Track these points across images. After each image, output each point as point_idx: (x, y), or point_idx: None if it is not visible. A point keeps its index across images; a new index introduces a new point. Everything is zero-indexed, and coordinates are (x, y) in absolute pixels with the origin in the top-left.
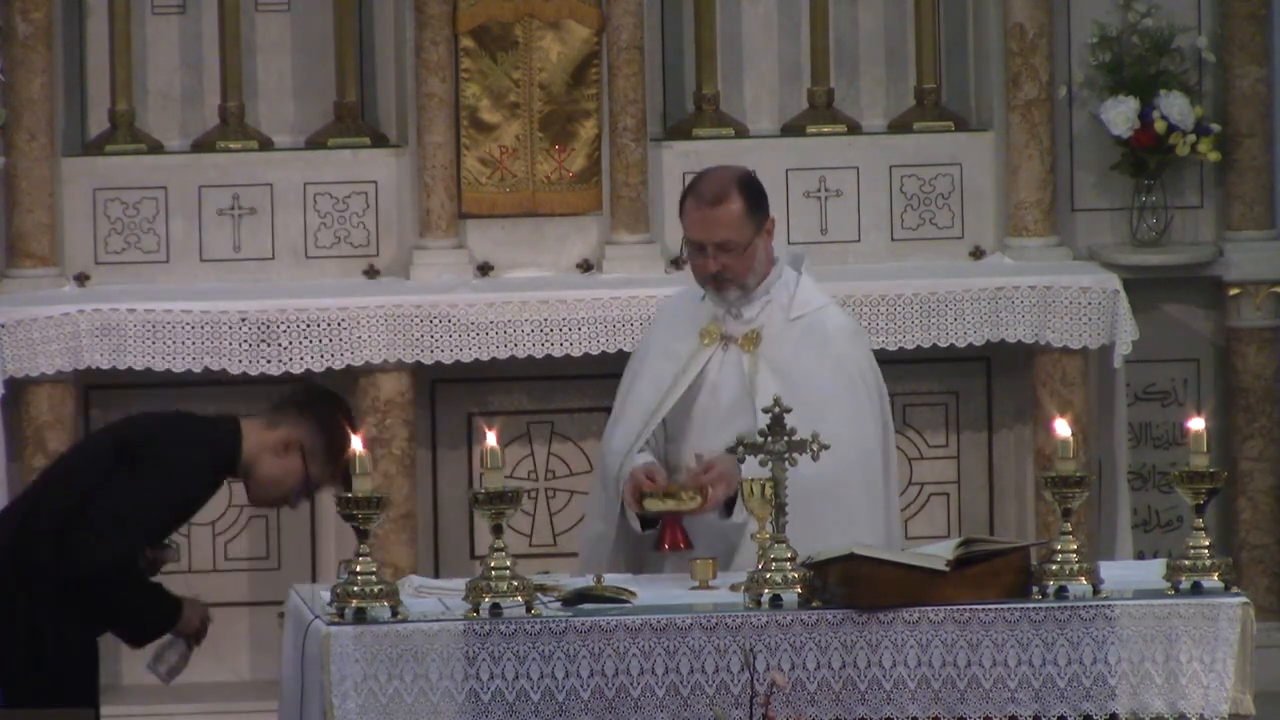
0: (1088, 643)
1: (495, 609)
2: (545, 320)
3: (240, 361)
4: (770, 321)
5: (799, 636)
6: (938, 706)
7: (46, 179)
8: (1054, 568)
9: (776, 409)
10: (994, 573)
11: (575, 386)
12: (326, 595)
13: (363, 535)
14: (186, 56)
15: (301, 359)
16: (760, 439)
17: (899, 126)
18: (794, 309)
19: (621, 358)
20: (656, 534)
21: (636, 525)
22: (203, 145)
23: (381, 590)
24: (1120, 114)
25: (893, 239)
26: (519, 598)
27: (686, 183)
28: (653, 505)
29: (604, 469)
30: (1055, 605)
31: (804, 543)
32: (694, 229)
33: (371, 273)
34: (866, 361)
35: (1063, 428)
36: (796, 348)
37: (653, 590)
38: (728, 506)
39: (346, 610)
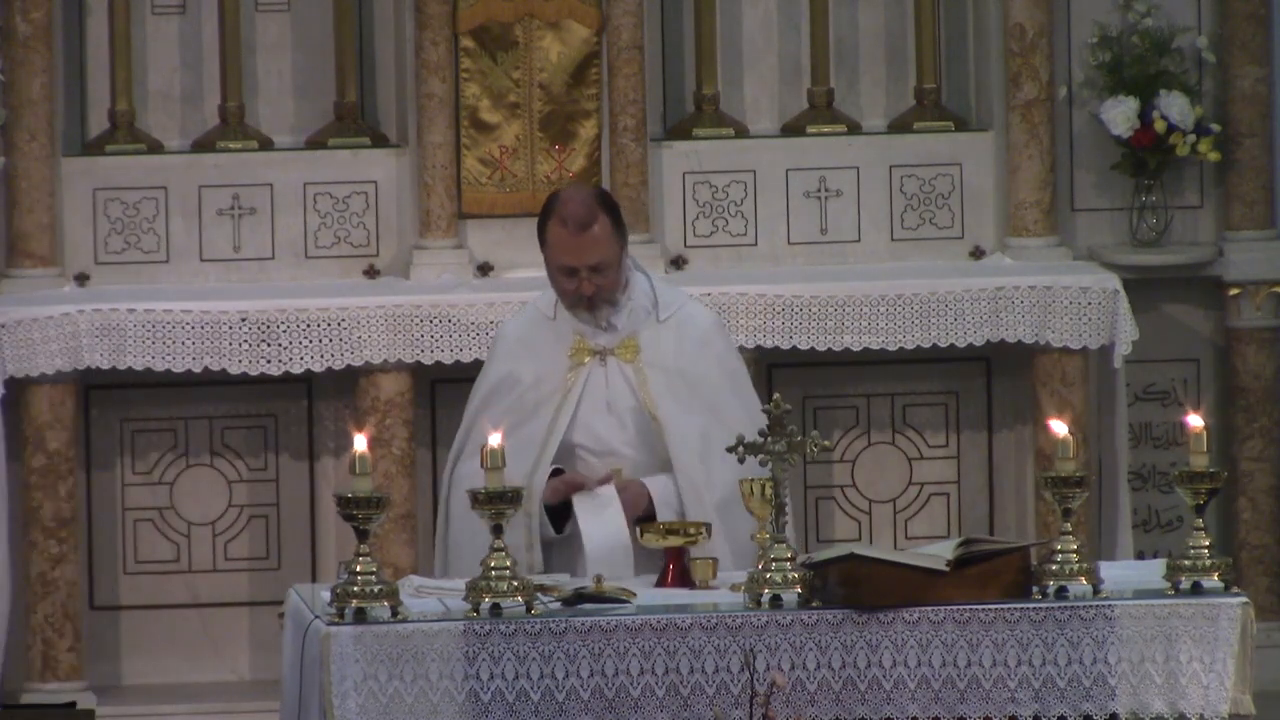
0: (1088, 643)
1: (495, 609)
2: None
3: (240, 361)
4: (642, 328)
5: (799, 636)
6: (938, 706)
7: (46, 179)
8: (1054, 568)
9: (777, 409)
10: (994, 573)
11: None
12: (326, 595)
13: (363, 535)
14: (186, 56)
15: (301, 359)
16: (760, 439)
17: (899, 126)
18: (661, 310)
19: None
20: (660, 572)
21: (550, 530)
22: (203, 145)
23: (381, 590)
24: (1120, 114)
25: (893, 239)
26: (519, 598)
27: (544, 207)
28: (653, 542)
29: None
30: (1055, 605)
31: (726, 545)
32: (565, 255)
33: (371, 273)
34: (737, 353)
35: (1060, 428)
36: (676, 348)
37: (653, 590)
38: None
39: (346, 610)
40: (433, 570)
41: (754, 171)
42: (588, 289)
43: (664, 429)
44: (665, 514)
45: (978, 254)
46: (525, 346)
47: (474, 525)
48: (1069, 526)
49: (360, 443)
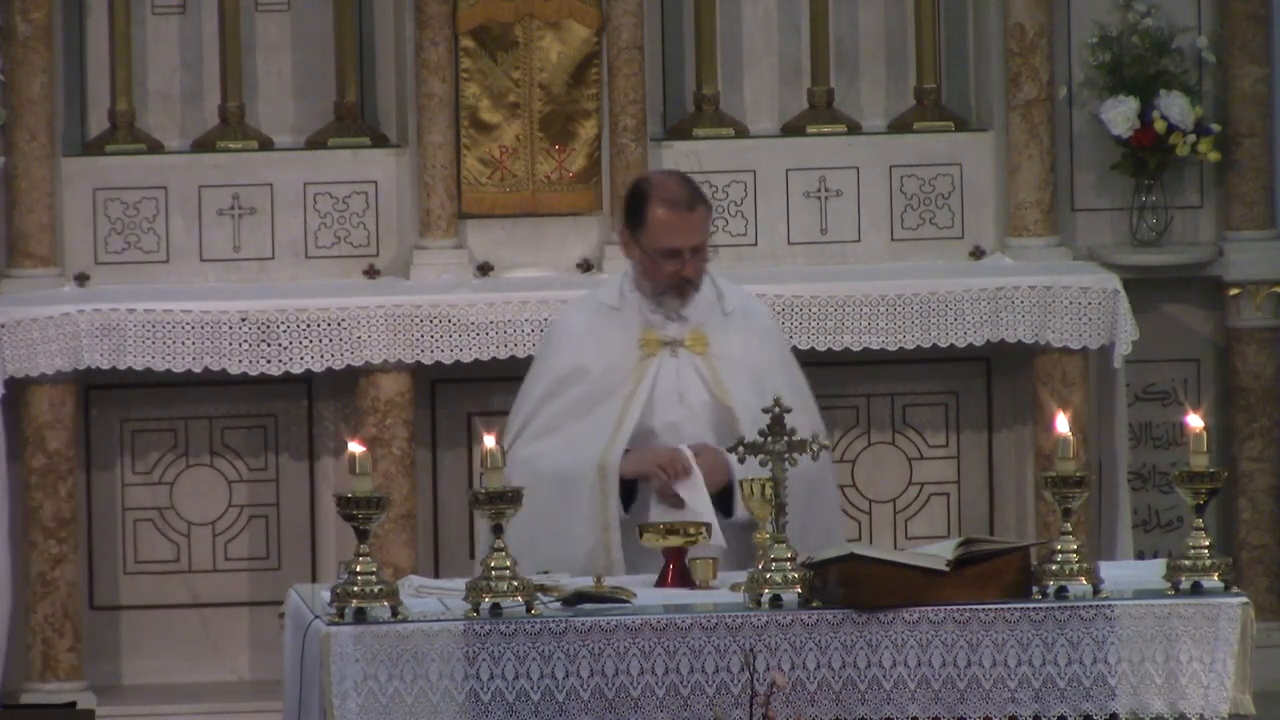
0: (1088, 643)
1: (495, 609)
2: (545, 320)
3: (240, 361)
4: (708, 319)
5: (799, 636)
6: (938, 706)
7: (46, 179)
8: (1054, 568)
9: (777, 409)
10: (994, 573)
11: None
12: (326, 595)
13: (363, 535)
14: (186, 56)
15: (301, 359)
16: (760, 439)
17: (899, 126)
18: (726, 303)
19: None
20: (660, 572)
21: (622, 512)
22: (203, 145)
23: (381, 590)
24: (1120, 114)
25: (893, 239)
26: (519, 598)
27: (631, 191)
28: (653, 542)
29: (576, 486)
30: (1055, 605)
31: (794, 539)
32: (672, 236)
33: (371, 273)
34: (791, 351)
35: (1063, 425)
36: (744, 343)
37: (653, 590)
38: (726, 505)
39: (346, 610)
40: (432, 570)
41: (754, 171)
42: (690, 271)
43: (738, 420)
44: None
45: (978, 254)
46: (592, 337)
47: (528, 514)
48: (1069, 526)
49: (355, 449)
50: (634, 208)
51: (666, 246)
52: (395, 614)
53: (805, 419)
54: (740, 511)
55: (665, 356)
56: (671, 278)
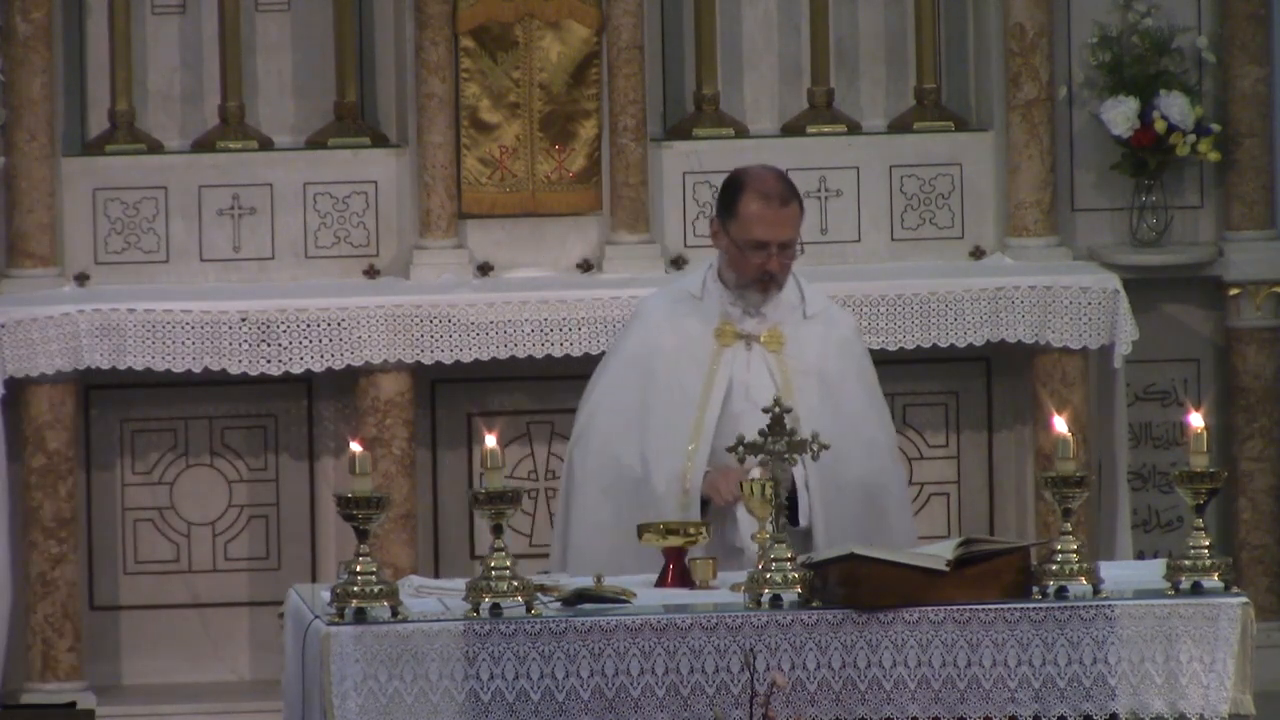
0: (1088, 643)
1: (495, 609)
2: (545, 320)
3: (240, 361)
4: (787, 320)
5: (799, 636)
6: (938, 706)
7: (46, 179)
8: (1054, 568)
9: (777, 409)
10: (994, 573)
11: (575, 386)
12: (326, 595)
13: (363, 535)
14: (186, 56)
15: (301, 359)
16: (760, 439)
17: (899, 126)
18: (808, 307)
19: None
20: (660, 572)
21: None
22: (203, 145)
23: (381, 590)
24: (1120, 114)
25: (893, 239)
26: (519, 598)
27: (727, 181)
28: (653, 542)
29: (657, 496)
30: (1055, 605)
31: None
32: (761, 229)
33: (371, 273)
34: (871, 360)
35: (1062, 426)
36: (820, 348)
37: (653, 590)
38: (793, 513)
39: (346, 610)
40: (432, 570)
41: None
42: (775, 265)
43: (798, 423)
44: (801, 497)
45: (978, 254)
46: (669, 320)
47: (601, 514)
48: (1069, 526)
49: (356, 449)
50: (727, 198)
51: (755, 239)
52: (395, 614)
53: (873, 434)
54: (805, 520)
55: (739, 349)
56: (756, 271)
